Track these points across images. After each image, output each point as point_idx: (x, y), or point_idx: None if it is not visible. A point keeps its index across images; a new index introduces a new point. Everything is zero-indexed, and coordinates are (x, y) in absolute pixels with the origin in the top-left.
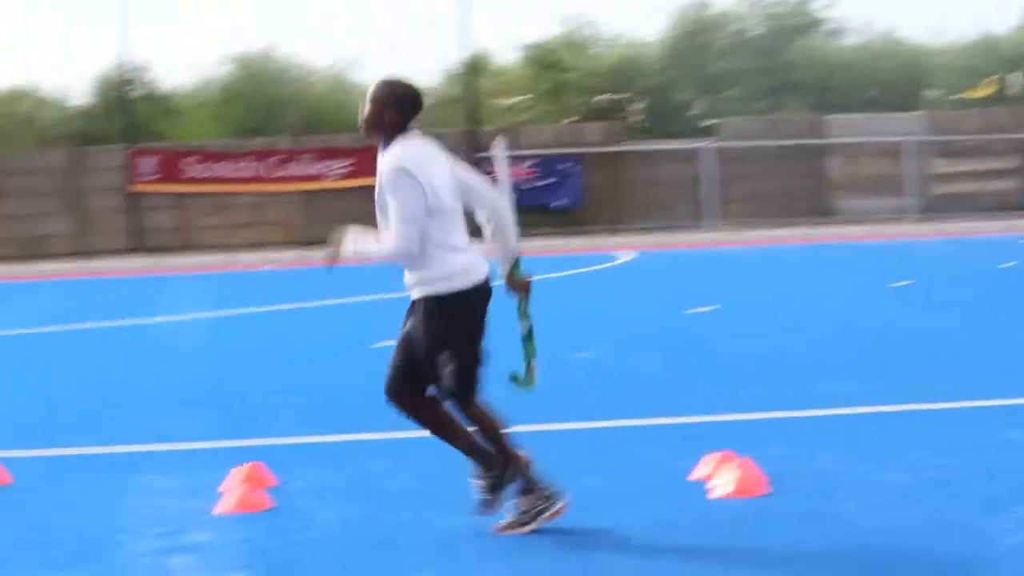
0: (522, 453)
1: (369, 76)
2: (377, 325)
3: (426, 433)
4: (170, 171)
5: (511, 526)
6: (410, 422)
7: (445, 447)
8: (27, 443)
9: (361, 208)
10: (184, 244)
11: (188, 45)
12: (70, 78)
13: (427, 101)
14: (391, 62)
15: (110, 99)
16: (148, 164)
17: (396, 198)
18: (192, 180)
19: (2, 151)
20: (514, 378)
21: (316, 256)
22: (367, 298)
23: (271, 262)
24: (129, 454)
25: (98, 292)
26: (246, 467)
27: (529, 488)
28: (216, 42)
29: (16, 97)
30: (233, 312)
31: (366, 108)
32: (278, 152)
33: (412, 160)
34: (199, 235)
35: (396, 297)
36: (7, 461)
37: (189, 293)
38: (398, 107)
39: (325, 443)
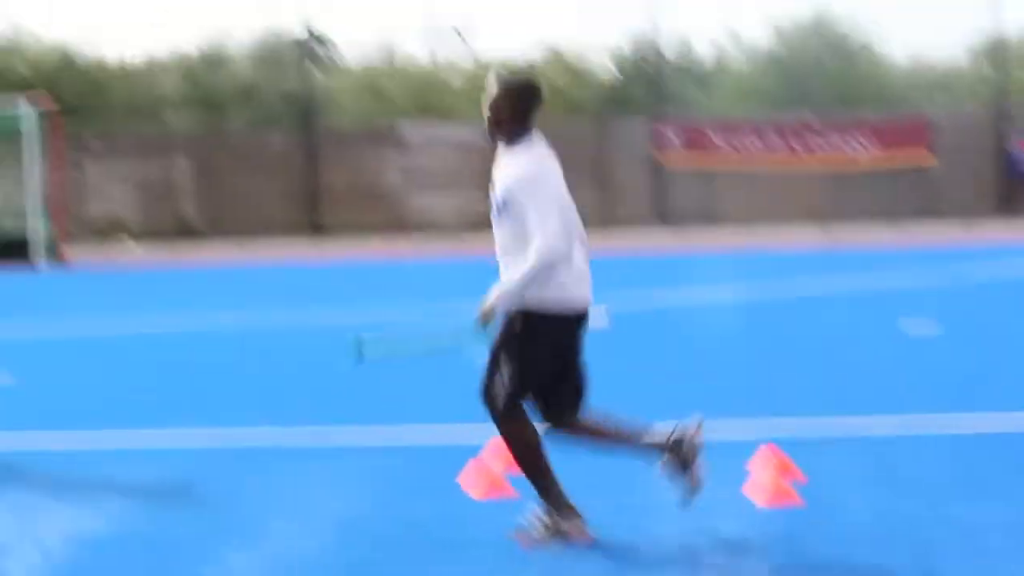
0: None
1: (895, 50)
2: (900, 309)
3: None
4: (696, 143)
5: (530, 535)
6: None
7: (972, 439)
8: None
9: (887, 194)
10: (708, 218)
11: (719, 14)
12: (598, 45)
13: (950, 77)
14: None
15: (637, 68)
16: (674, 136)
17: (533, 203)
18: (718, 154)
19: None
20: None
21: (840, 238)
22: (892, 283)
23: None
24: None
25: (621, 266)
26: (772, 455)
27: (556, 506)
28: (751, 10)
29: (543, 65)
30: (755, 292)
31: (486, 108)
32: (807, 128)
33: (538, 163)
34: (724, 210)
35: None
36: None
37: (712, 270)
38: (516, 102)
39: (847, 426)
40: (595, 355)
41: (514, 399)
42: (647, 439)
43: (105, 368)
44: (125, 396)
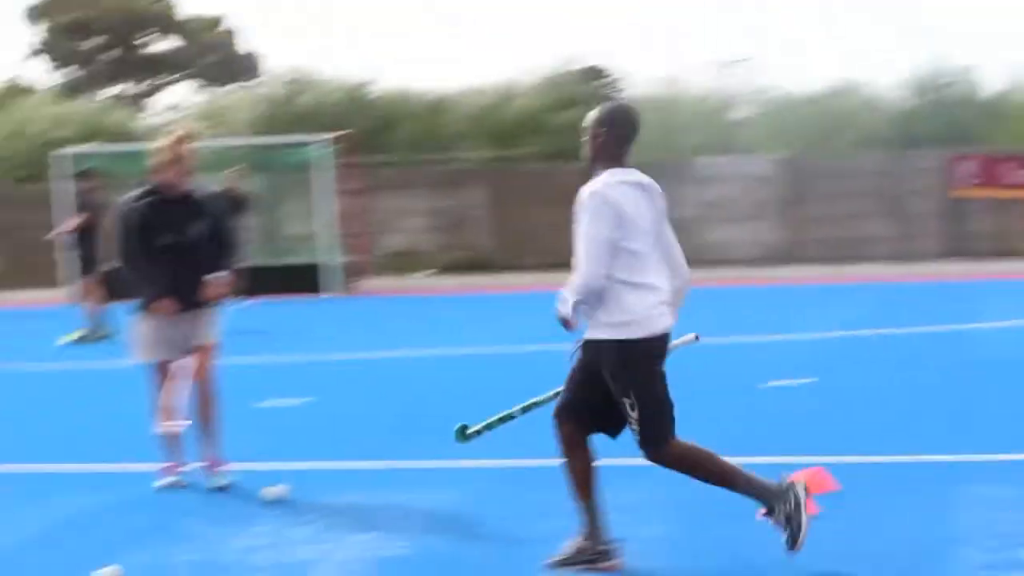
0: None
1: None
2: None
3: None
4: (990, 176)
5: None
6: None
7: None
8: (807, 449)
9: None
10: (1003, 251)
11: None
12: (889, 77)
13: None
14: None
15: (929, 100)
16: (967, 168)
17: (585, 224)
18: (1012, 186)
19: (819, 150)
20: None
21: None
22: None
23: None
24: (957, 463)
25: (916, 296)
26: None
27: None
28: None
29: (836, 96)
30: None
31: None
32: None
33: (611, 187)
34: (1019, 242)
35: None
36: (834, 467)
37: (1007, 301)
38: (610, 130)
39: None
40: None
41: (661, 433)
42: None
43: (403, 391)
44: (422, 418)
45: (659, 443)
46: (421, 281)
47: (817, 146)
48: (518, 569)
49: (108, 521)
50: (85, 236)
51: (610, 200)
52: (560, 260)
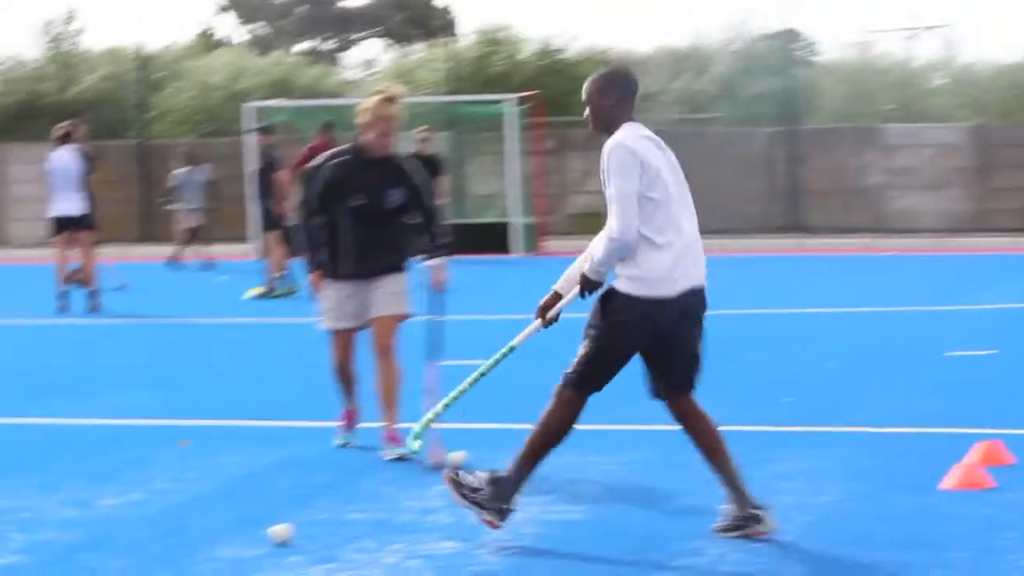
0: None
1: None
2: None
3: None
4: None
5: (456, 475)
6: None
7: None
8: (985, 420)
9: None
10: None
11: None
12: None
13: None
14: None
15: None
16: None
17: (614, 178)
18: None
19: (1010, 120)
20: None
21: None
22: None
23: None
24: None
25: None
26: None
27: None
28: None
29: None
30: None
31: (586, 107)
32: None
33: (634, 139)
34: None
35: None
36: (1010, 439)
37: None
38: (613, 92)
39: None
40: None
41: (583, 380)
42: (735, 488)
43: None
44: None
45: (578, 385)
46: None
47: (1008, 116)
48: (687, 538)
49: (282, 478)
50: (268, 191)
51: (636, 152)
52: (743, 226)
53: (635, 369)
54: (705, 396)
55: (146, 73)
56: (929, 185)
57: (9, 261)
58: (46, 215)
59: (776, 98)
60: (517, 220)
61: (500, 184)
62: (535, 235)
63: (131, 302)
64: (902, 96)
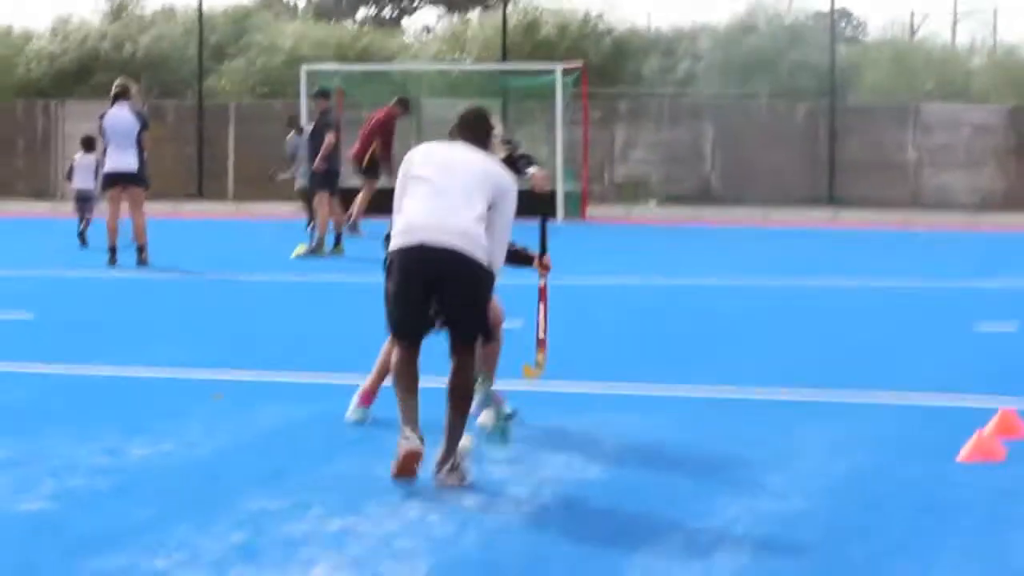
0: None
1: None
2: None
3: None
4: None
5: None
6: None
7: None
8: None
9: None
10: None
11: None
12: None
13: None
14: None
15: None
16: None
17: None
18: None
19: None
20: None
21: None
22: None
23: None
24: None
25: None
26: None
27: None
28: None
29: None
30: None
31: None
32: None
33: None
34: None
35: None
36: None
37: None
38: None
39: None
40: None
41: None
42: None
43: (619, 316)
44: (639, 346)
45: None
46: (647, 211)
47: None
48: (702, 498)
49: (313, 433)
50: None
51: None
52: (782, 197)
53: (656, 333)
54: (737, 362)
55: (205, 36)
56: (965, 163)
57: (65, 216)
58: (101, 171)
59: (817, 72)
60: (565, 187)
61: (547, 152)
62: (580, 202)
63: (180, 258)
64: (942, 76)
